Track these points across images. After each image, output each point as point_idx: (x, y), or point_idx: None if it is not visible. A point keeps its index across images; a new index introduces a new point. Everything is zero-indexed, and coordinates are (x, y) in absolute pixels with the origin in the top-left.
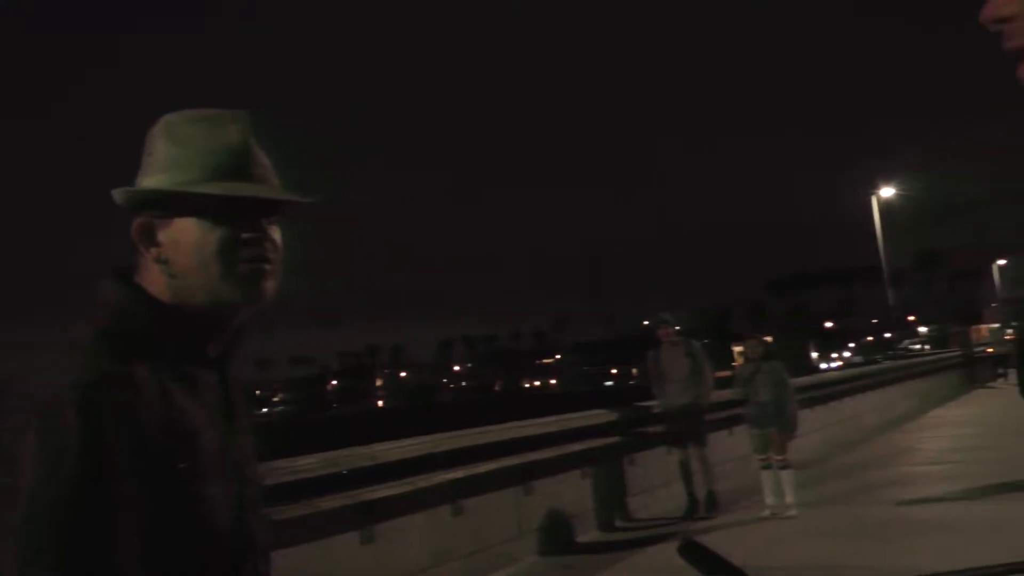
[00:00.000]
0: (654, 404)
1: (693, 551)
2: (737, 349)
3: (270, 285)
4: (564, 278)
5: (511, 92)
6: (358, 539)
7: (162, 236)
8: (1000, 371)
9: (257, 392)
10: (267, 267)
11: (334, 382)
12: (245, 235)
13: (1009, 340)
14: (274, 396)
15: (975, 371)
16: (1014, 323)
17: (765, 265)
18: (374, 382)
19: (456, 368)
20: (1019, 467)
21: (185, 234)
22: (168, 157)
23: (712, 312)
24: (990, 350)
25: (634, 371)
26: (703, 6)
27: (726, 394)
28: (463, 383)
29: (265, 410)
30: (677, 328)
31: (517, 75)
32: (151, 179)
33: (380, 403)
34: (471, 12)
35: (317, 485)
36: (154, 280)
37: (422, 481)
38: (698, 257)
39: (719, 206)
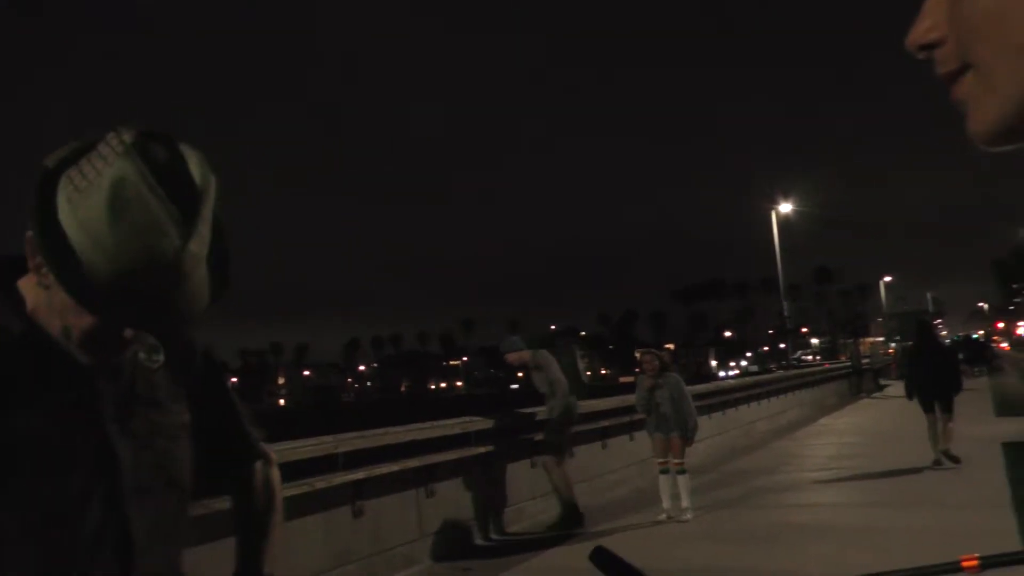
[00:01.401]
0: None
1: (603, 558)
2: (638, 355)
3: None
4: (471, 281)
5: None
6: None
7: None
8: (881, 383)
9: None
10: None
11: (233, 380)
12: None
13: (890, 354)
14: None
15: (861, 382)
16: (896, 337)
17: (673, 274)
18: (275, 381)
19: (361, 368)
20: (896, 475)
21: None
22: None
23: (616, 318)
24: (865, 361)
25: None
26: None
27: (629, 399)
28: (368, 383)
29: None
30: (519, 349)
31: (410, 81)
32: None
33: (281, 402)
34: None
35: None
36: (31, 287)
37: (321, 482)
38: (607, 264)
39: (627, 215)
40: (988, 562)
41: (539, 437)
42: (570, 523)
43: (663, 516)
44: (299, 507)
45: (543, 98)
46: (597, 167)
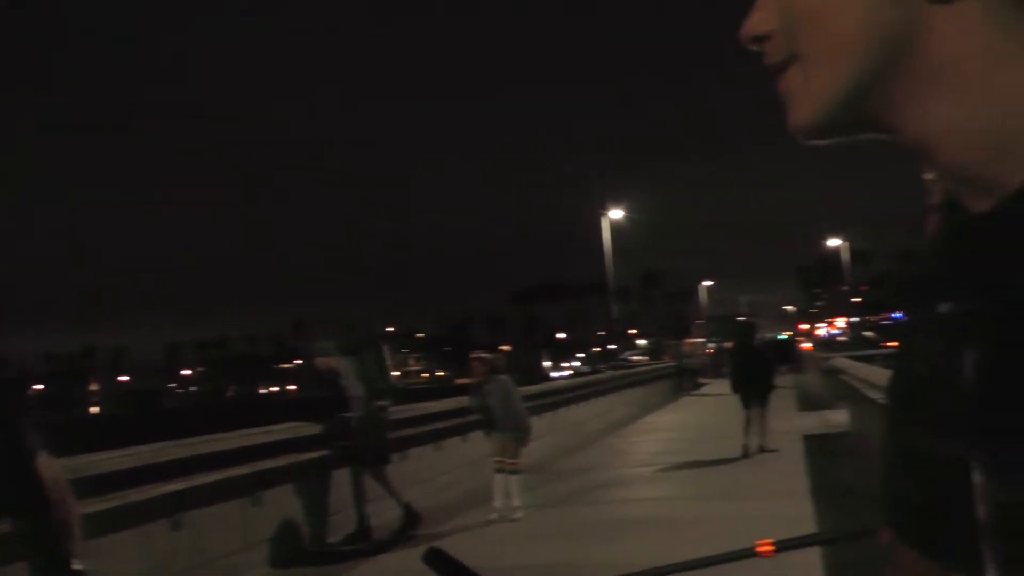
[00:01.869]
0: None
1: (437, 559)
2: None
3: None
4: (304, 281)
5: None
6: None
7: None
8: (699, 381)
9: None
10: None
11: (39, 386)
12: None
13: (709, 354)
14: None
15: (683, 381)
16: (715, 339)
17: (511, 277)
18: (87, 387)
19: (186, 372)
20: (713, 468)
21: None
22: None
23: (454, 320)
24: (687, 361)
25: None
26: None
27: (463, 401)
28: (193, 388)
29: None
30: (328, 354)
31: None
32: None
33: (95, 409)
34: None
35: None
36: None
37: (136, 494)
38: (444, 266)
39: (463, 216)
40: (781, 546)
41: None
42: (409, 525)
43: (494, 515)
44: (111, 522)
45: (374, 86)
46: (428, 166)
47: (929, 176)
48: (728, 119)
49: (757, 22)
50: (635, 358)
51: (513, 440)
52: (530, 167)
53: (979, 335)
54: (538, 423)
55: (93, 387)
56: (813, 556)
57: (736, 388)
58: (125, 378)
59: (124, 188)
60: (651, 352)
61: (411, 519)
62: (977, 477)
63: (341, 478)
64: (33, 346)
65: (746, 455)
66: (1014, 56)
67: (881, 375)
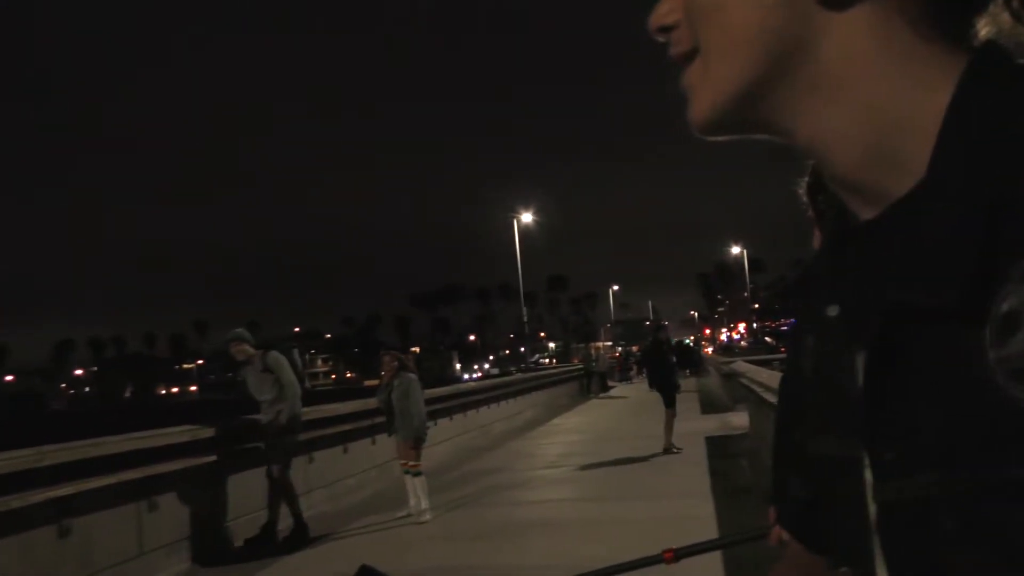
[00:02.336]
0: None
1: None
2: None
3: None
4: (204, 281)
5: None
6: None
7: None
8: (585, 383)
9: None
10: None
11: None
12: None
13: (615, 358)
14: None
15: (591, 383)
16: (622, 342)
17: (409, 278)
18: None
19: (78, 372)
20: (616, 470)
21: None
22: None
23: (360, 322)
24: (594, 364)
25: None
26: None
27: (371, 403)
28: (86, 389)
29: None
30: (250, 344)
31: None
32: None
33: None
34: None
35: None
36: None
37: (16, 500)
38: (342, 267)
39: (361, 217)
40: (681, 553)
41: (265, 445)
42: (299, 538)
43: (403, 512)
44: None
45: (289, 86)
46: (324, 165)
47: (802, 191)
48: (630, 125)
49: (663, 12)
50: (544, 361)
51: (412, 441)
52: (436, 168)
53: (862, 338)
54: (447, 425)
55: None
56: (712, 556)
57: (654, 386)
58: (9, 378)
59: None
60: (559, 355)
61: (300, 532)
62: (867, 475)
63: (242, 481)
64: None
65: (666, 452)
66: (893, 70)
67: (778, 379)
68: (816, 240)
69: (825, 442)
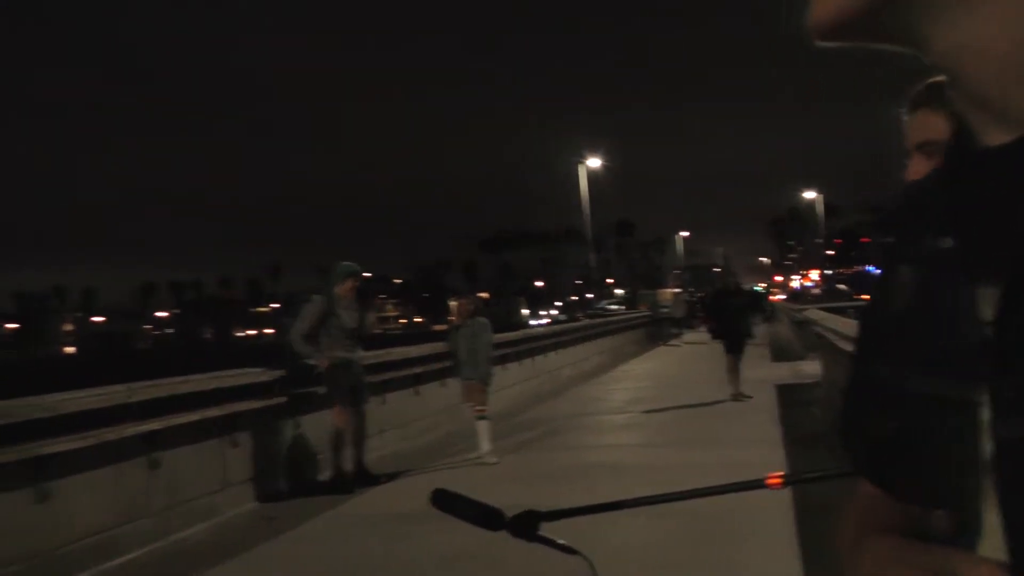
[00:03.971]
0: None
1: (445, 499)
2: (452, 304)
3: None
4: (277, 227)
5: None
6: (31, 497)
7: None
8: (674, 331)
9: None
10: None
11: (13, 325)
12: None
13: (689, 303)
14: None
15: (659, 330)
16: (691, 288)
17: (475, 223)
18: (60, 327)
19: (162, 314)
20: (679, 417)
21: None
22: None
23: (427, 267)
24: (665, 311)
25: None
26: None
27: (441, 347)
28: (169, 330)
29: None
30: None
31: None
32: None
33: (70, 349)
34: None
35: None
36: None
37: (111, 434)
38: (414, 210)
39: (428, 162)
40: (788, 480)
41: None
42: (344, 485)
43: (473, 455)
44: (87, 460)
45: (349, 38)
46: (401, 112)
47: (905, 116)
48: (703, 67)
49: None
50: (612, 307)
51: (478, 384)
52: (503, 114)
53: (988, 272)
54: (515, 370)
55: (67, 327)
56: (781, 500)
57: (718, 335)
58: (100, 319)
59: (96, 126)
60: (628, 301)
61: (356, 476)
62: (982, 413)
63: (317, 421)
64: (2, 283)
65: (735, 399)
66: None
67: (854, 327)
68: (915, 168)
69: (926, 379)
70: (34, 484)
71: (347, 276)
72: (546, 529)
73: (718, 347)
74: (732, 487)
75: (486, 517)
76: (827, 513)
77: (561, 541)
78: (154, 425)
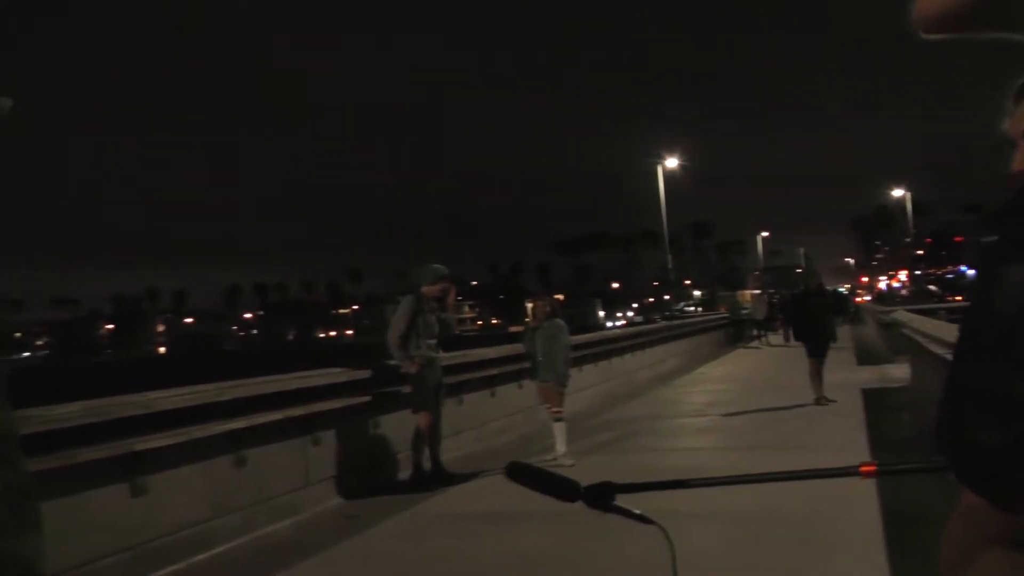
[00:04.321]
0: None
1: (520, 471)
2: (529, 305)
3: None
4: (354, 231)
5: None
6: (128, 491)
7: None
8: (756, 332)
9: (17, 334)
10: None
11: (109, 326)
12: None
13: (770, 304)
14: (36, 339)
15: (739, 332)
16: (771, 290)
17: (552, 225)
18: (154, 328)
19: (247, 316)
20: (760, 421)
21: None
22: None
23: (503, 270)
24: (745, 312)
25: None
26: None
27: (517, 348)
28: (253, 331)
29: (26, 354)
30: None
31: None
32: None
33: (161, 350)
34: None
35: (82, 435)
36: None
37: (200, 431)
38: (481, 214)
39: (506, 163)
40: (883, 469)
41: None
42: (423, 481)
43: (549, 457)
44: (177, 457)
45: (431, 52)
46: (479, 113)
47: (1010, 105)
48: (780, 64)
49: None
50: (689, 308)
51: (555, 386)
52: (581, 116)
53: None
54: (591, 372)
55: (160, 329)
56: (871, 509)
57: (800, 337)
58: (189, 320)
59: (177, 132)
60: (705, 303)
61: (434, 476)
62: None
63: (397, 420)
64: (96, 285)
65: (818, 403)
66: None
67: (946, 329)
68: (1021, 159)
69: None
70: (130, 479)
71: (438, 278)
72: (620, 503)
73: (799, 350)
74: (821, 473)
75: (561, 488)
76: (918, 521)
77: (637, 511)
78: (240, 424)
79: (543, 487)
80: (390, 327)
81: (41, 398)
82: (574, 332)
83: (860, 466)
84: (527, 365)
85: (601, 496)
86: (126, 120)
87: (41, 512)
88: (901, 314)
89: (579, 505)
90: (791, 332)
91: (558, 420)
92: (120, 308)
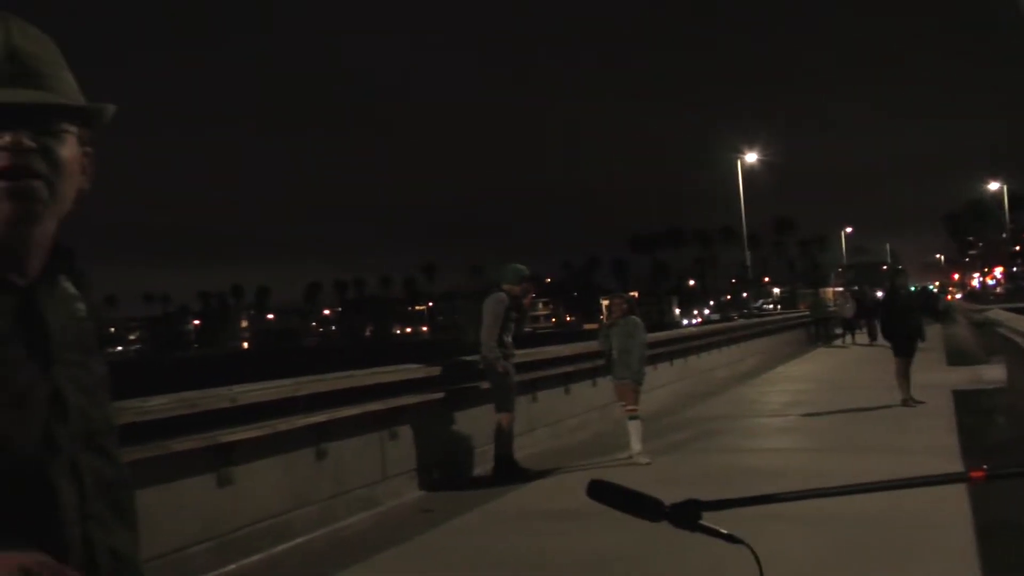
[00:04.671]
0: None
1: (601, 490)
2: (604, 302)
3: (30, 203)
4: (431, 227)
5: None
6: (215, 482)
7: None
8: (842, 331)
9: (112, 329)
10: (25, 182)
11: (196, 322)
12: None
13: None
14: (130, 334)
15: (821, 330)
16: (854, 287)
17: (627, 222)
18: (239, 324)
19: (326, 312)
20: (842, 422)
21: None
22: None
23: (577, 266)
24: (832, 309)
25: None
26: None
27: (592, 346)
28: (332, 327)
29: (120, 348)
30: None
31: None
32: None
33: (246, 345)
34: None
35: (171, 426)
36: None
37: (283, 424)
38: (557, 211)
39: (579, 162)
40: (993, 473)
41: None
42: (504, 477)
43: (624, 455)
44: (260, 449)
45: (495, 41)
46: (552, 110)
47: None
48: (863, 54)
49: None
50: (768, 306)
51: (629, 384)
52: (662, 110)
53: None
54: (667, 370)
55: (243, 324)
56: (966, 523)
57: (888, 336)
58: (271, 316)
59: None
60: (785, 300)
61: (509, 472)
62: None
63: (473, 416)
64: (185, 282)
65: (905, 404)
66: None
67: None
68: None
69: None
70: (216, 469)
71: (520, 279)
72: (707, 520)
73: (884, 350)
74: (924, 480)
75: (644, 507)
76: (1012, 528)
77: (724, 531)
78: (320, 417)
79: (625, 505)
80: (484, 326)
81: (135, 390)
82: (650, 330)
83: (969, 471)
84: (602, 363)
85: (687, 514)
86: (186, 115)
87: (136, 505)
88: (996, 312)
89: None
90: (878, 331)
91: (633, 418)
92: (207, 305)
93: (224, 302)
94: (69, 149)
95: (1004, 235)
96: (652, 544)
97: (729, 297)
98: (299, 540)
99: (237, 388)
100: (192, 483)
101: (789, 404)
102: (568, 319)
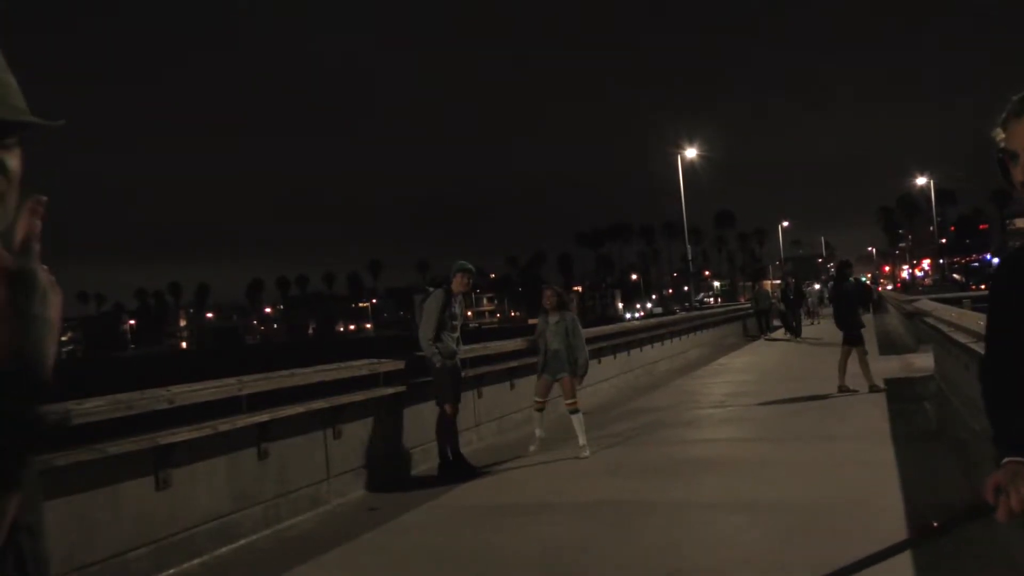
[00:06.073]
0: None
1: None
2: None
3: None
4: (376, 224)
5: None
6: (152, 485)
7: None
8: (777, 324)
9: None
10: None
11: (131, 321)
12: None
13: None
14: (62, 335)
15: (760, 323)
16: (791, 279)
17: (571, 217)
18: (177, 322)
19: (267, 310)
20: (783, 412)
21: None
22: None
23: (524, 261)
24: (774, 302)
25: None
26: None
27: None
28: (275, 326)
29: None
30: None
31: None
32: None
33: (184, 344)
34: None
35: (106, 429)
36: None
37: (225, 424)
38: (510, 206)
39: (527, 158)
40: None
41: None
42: (450, 473)
43: (532, 448)
44: (202, 450)
45: (451, 40)
46: (497, 107)
47: (1011, 123)
48: (800, 51)
49: None
50: (708, 299)
51: (569, 378)
52: (604, 108)
53: None
54: (611, 363)
55: (182, 323)
56: (893, 482)
57: (843, 327)
58: (211, 315)
59: (190, 132)
60: (726, 294)
61: (455, 468)
62: None
63: (417, 413)
64: (123, 279)
65: (873, 391)
66: None
67: (970, 318)
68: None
69: None
70: (155, 472)
71: (460, 272)
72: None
73: (823, 340)
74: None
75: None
76: (943, 511)
77: None
78: (263, 417)
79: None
80: (422, 322)
81: (69, 393)
82: (593, 323)
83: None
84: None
85: None
86: (141, 121)
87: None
88: (925, 303)
89: (597, 496)
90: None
91: (574, 413)
92: (143, 303)
93: (162, 300)
94: (17, 159)
95: (932, 228)
96: (597, 535)
97: (671, 291)
98: (243, 542)
99: (175, 388)
100: (129, 487)
101: (731, 395)
102: (513, 314)
